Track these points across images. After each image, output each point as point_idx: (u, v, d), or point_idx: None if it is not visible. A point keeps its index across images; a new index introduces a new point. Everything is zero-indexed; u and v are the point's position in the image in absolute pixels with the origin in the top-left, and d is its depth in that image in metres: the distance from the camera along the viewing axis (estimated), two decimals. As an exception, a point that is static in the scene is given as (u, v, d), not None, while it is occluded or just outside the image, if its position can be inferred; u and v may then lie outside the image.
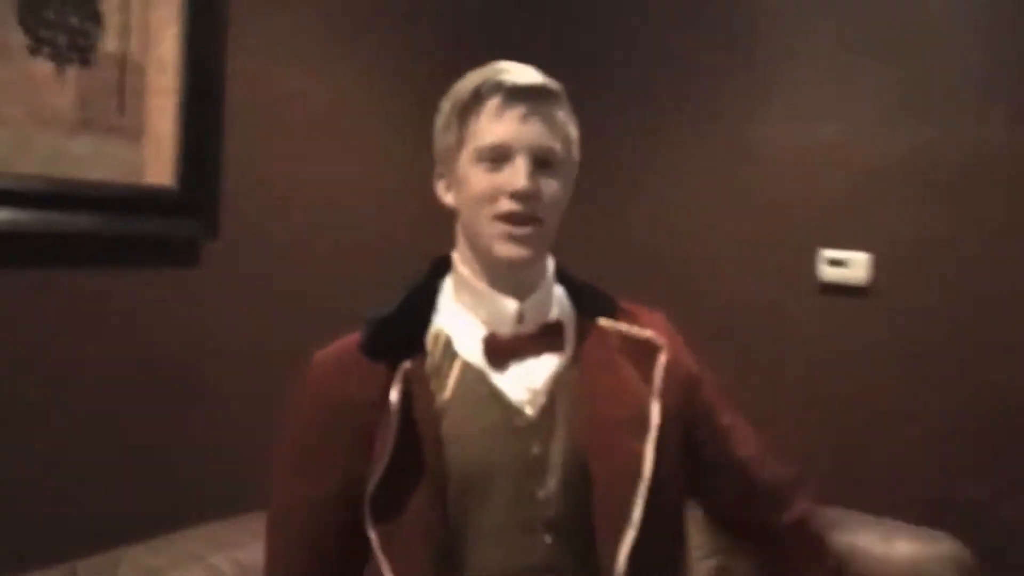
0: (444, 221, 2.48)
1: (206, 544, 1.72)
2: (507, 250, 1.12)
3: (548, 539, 1.12)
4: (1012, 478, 2.16)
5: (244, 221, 1.99)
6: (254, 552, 1.73)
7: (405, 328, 1.18)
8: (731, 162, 2.52)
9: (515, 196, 1.11)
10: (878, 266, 2.33)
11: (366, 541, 1.11)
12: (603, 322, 1.25)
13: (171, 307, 1.86)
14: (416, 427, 1.11)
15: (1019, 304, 2.18)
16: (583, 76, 2.72)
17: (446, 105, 1.19)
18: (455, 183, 1.19)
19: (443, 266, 1.26)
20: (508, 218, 1.12)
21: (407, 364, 1.13)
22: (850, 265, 2.36)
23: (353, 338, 1.21)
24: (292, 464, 1.19)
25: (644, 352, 1.23)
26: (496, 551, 1.11)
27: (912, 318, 2.29)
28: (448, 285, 1.24)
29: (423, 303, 1.22)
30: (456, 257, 1.22)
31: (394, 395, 1.10)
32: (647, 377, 1.21)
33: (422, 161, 2.51)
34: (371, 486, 1.09)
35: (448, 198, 1.22)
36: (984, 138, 2.22)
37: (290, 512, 1.18)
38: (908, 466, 2.28)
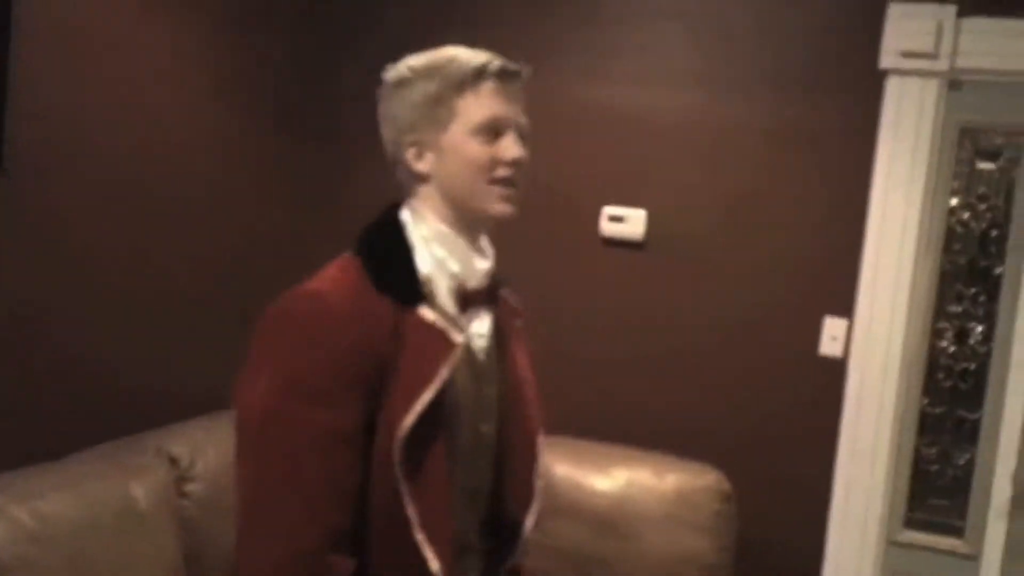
0: (244, 171, 2.42)
1: (2, 494, 1.65)
2: (502, 208, 1.28)
3: (483, 465, 1.34)
4: (766, 414, 2.50)
5: (32, 155, 1.88)
6: (55, 503, 1.70)
7: (401, 269, 1.27)
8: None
9: (513, 164, 1.28)
10: (651, 222, 2.57)
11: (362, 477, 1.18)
12: (504, 291, 1.43)
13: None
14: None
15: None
16: (361, 26, 2.71)
17: (433, 82, 1.27)
18: (438, 152, 1.28)
19: (393, 217, 1.32)
20: (504, 182, 1.28)
21: (425, 306, 1.23)
22: (628, 221, 2.58)
23: (344, 273, 1.25)
24: (312, 398, 1.16)
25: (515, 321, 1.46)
26: (458, 474, 1.27)
27: (679, 267, 2.56)
28: (413, 235, 1.30)
29: (404, 248, 1.29)
30: (428, 213, 1.30)
31: (462, 334, 1.24)
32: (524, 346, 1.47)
33: (229, 111, 2.46)
34: (412, 416, 1.17)
35: (421, 165, 1.29)
36: (746, 111, 2.49)
37: (313, 444, 1.15)
38: (678, 404, 2.55)
